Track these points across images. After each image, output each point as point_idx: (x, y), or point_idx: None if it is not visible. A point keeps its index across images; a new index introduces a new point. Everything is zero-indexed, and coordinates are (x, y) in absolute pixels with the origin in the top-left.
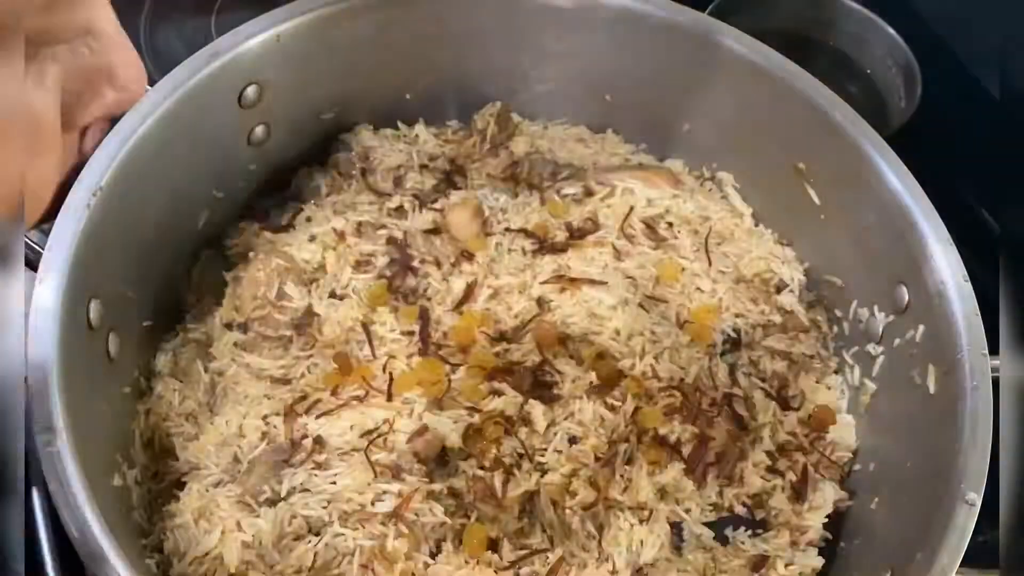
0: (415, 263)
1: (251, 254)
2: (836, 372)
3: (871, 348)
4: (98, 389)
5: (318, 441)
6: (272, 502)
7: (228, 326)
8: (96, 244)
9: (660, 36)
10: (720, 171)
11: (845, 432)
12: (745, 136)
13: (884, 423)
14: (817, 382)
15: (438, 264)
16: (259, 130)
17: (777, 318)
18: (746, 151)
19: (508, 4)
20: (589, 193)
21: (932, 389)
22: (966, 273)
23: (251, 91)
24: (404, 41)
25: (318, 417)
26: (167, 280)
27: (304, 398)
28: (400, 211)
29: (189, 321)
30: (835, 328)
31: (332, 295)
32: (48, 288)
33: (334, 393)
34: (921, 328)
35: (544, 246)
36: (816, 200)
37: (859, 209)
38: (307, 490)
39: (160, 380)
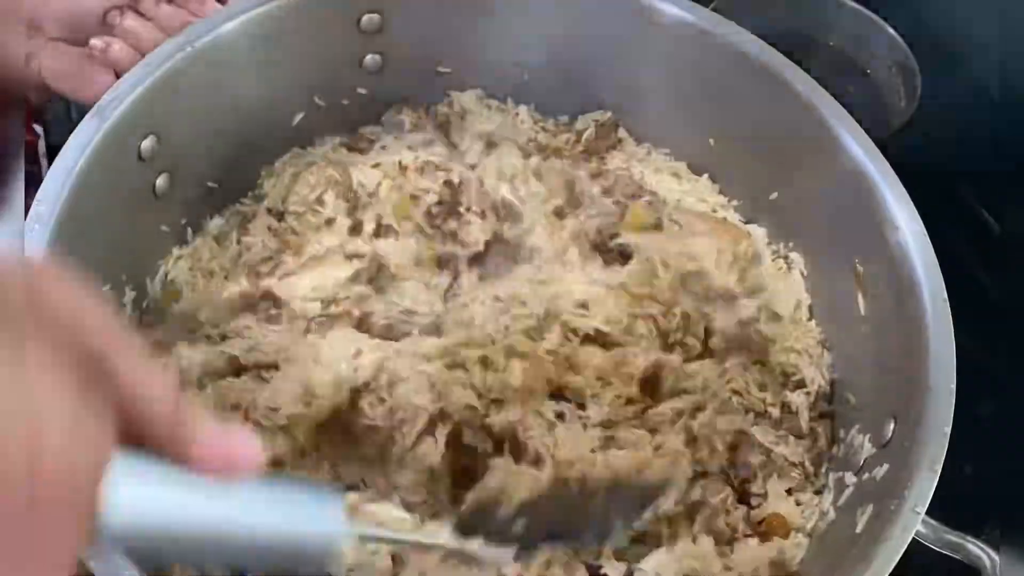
0: (461, 209)
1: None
2: (817, 492)
3: (847, 476)
4: (127, 209)
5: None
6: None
7: (270, 211)
8: (170, 95)
9: (769, 89)
10: (794, 252)
11: (791, 551)
12: (824, 221)
13: (824, 554)
14: (789, 492)
15: (483, 216)
16: (374, 59)
17: (776, 412)
18: (821, 237)
19: (641, 15)
20: (658, 226)
21: (859, 528)
22: (949, 429)
23: (374, 19)
24: (532, 26)
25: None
26: (246, 158)
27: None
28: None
29: (249, 197)
30: (835, 448)
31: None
32: (100, 115)
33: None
34: (885, 467)
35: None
36: (862, 311)
37: (892, 331)
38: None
39: (203, 237)
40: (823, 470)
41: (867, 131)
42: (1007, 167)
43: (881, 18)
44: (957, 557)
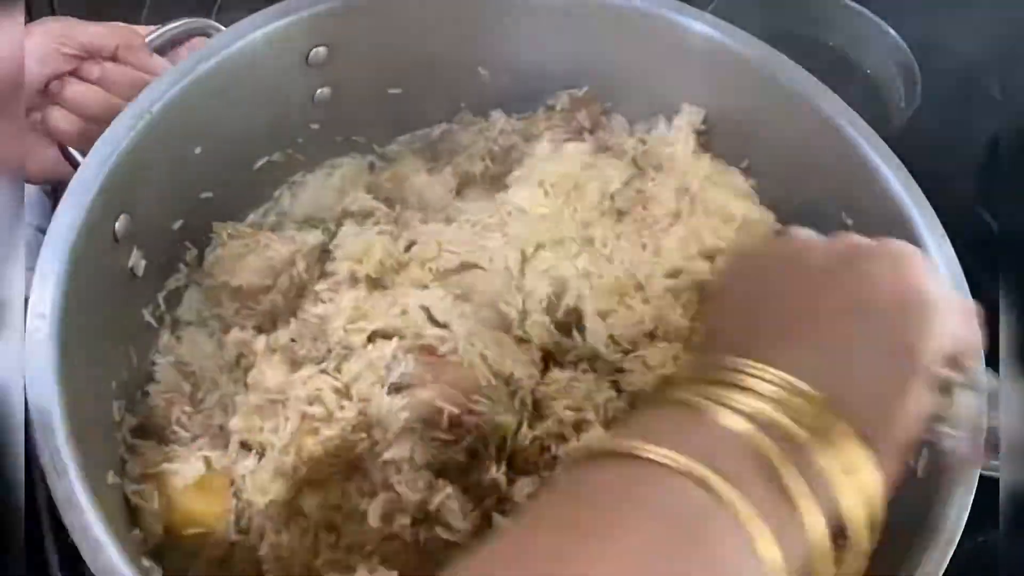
0: None
1: None
2: None
3: None
4: (115, 307)
5: None
6: None
7: None
8: (137, 169)
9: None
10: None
11: None
12: (798, 176)
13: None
14: None
15: None
16: (324, 92)
17: None
18: (796, 192)
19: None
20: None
21: (920, 473)
22: (983, 362)
23: (320, 52)
24: (475, 27)
25: None
26: (211, 210)
27: None
28: None
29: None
30: None
31: None
32: (72, 204)
33: None
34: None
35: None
36: None
37: None
38: None
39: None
40: None
41: None
42: (1007, 167)
43: (881, 18)
44: None
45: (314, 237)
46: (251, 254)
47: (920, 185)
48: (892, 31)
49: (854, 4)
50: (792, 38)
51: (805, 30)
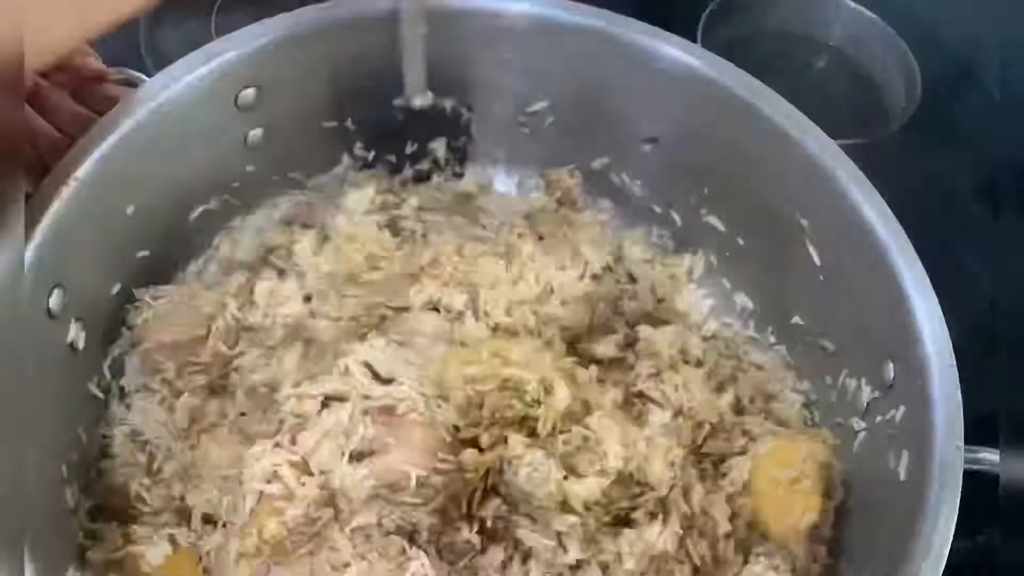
0: None
1: None
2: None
3: (855, 422)
4: (57, 386)
5: None
6: None
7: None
8: (65, 236)
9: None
10: (711, 216)
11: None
12: (746, 182)
13: (851, 504)
14: None
15: None
16: (257, 133)
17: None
18: (746, 198)
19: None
20: None
21: (903, 476)
22: (953, 358)
23: (249, 94)
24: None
25: None
26: (148, 268)
27: None
28: None
29: None
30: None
31: None
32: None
33: None
34: (902, 409)
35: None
36: (816, 260)
37: (856, 275)
38: None
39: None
40: (816, 418)
41: (867, 131)
42: (1007, 167)
43: (881, 18)
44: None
45: (237, 277)
46: (178, 309)
47: (920, 185)
48: (892, 31)
49: (854, 4)
50: (792, 38)
51: (805, 30)
